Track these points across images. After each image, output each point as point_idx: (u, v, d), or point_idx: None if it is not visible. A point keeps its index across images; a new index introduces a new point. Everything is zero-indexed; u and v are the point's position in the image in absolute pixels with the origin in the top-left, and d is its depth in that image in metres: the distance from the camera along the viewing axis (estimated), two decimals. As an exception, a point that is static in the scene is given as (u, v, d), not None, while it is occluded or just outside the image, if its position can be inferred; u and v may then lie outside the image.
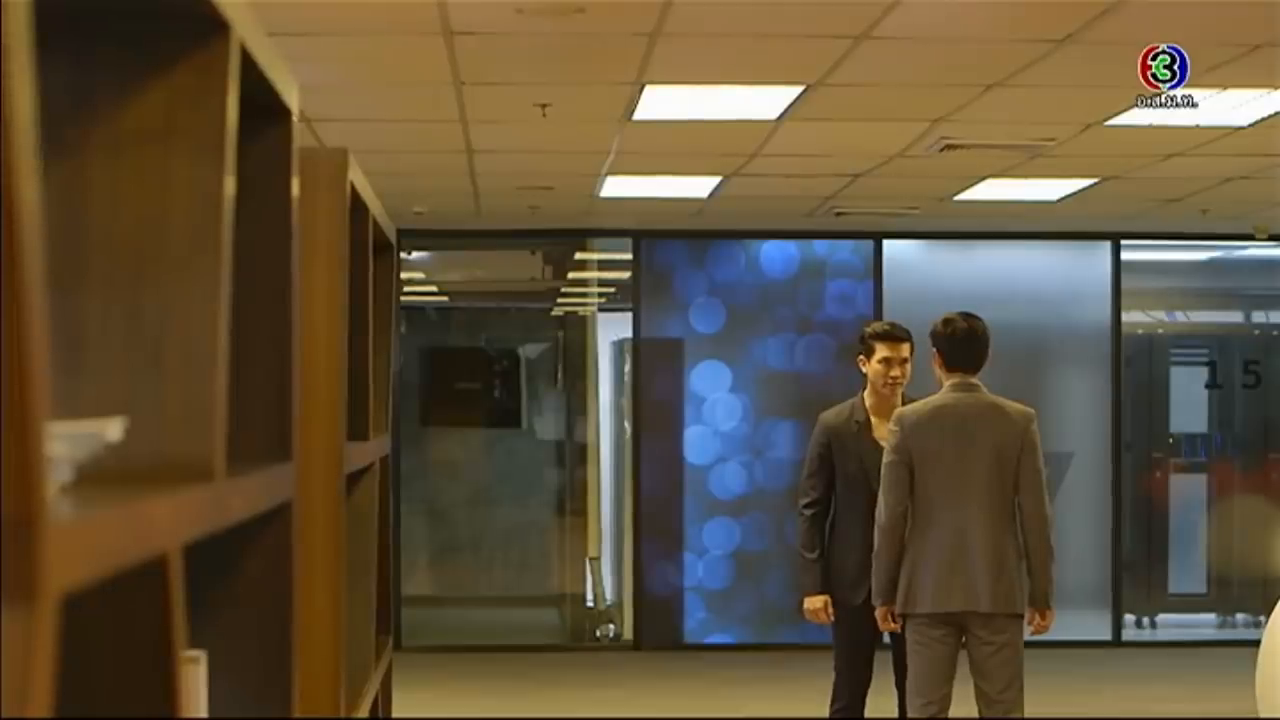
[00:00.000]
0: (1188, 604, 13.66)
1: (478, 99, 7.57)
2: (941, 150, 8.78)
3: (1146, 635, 13.26)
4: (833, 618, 7.26)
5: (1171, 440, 13.63)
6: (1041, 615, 6.52)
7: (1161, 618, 13.45)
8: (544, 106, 7.64)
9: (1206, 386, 13.75)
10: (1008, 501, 6.43)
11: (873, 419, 7.22)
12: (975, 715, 6.58)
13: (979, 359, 6.52)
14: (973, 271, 12.78)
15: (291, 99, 2.24)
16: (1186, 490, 13.64)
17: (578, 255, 13.80)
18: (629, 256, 12.88)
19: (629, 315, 12.97)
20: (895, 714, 7.14)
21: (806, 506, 7.32)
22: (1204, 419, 13.81)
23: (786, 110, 7.87)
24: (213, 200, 1.93)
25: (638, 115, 8.02)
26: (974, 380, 6.50)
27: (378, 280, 4.01)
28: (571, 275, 14.07)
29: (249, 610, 2.23)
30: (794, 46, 6.64)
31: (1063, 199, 10.85)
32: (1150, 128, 8.20)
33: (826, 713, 7.44)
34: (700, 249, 12.78)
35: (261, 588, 2.24)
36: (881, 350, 7.19)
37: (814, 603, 7.28)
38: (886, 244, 12.80)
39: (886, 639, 7.04)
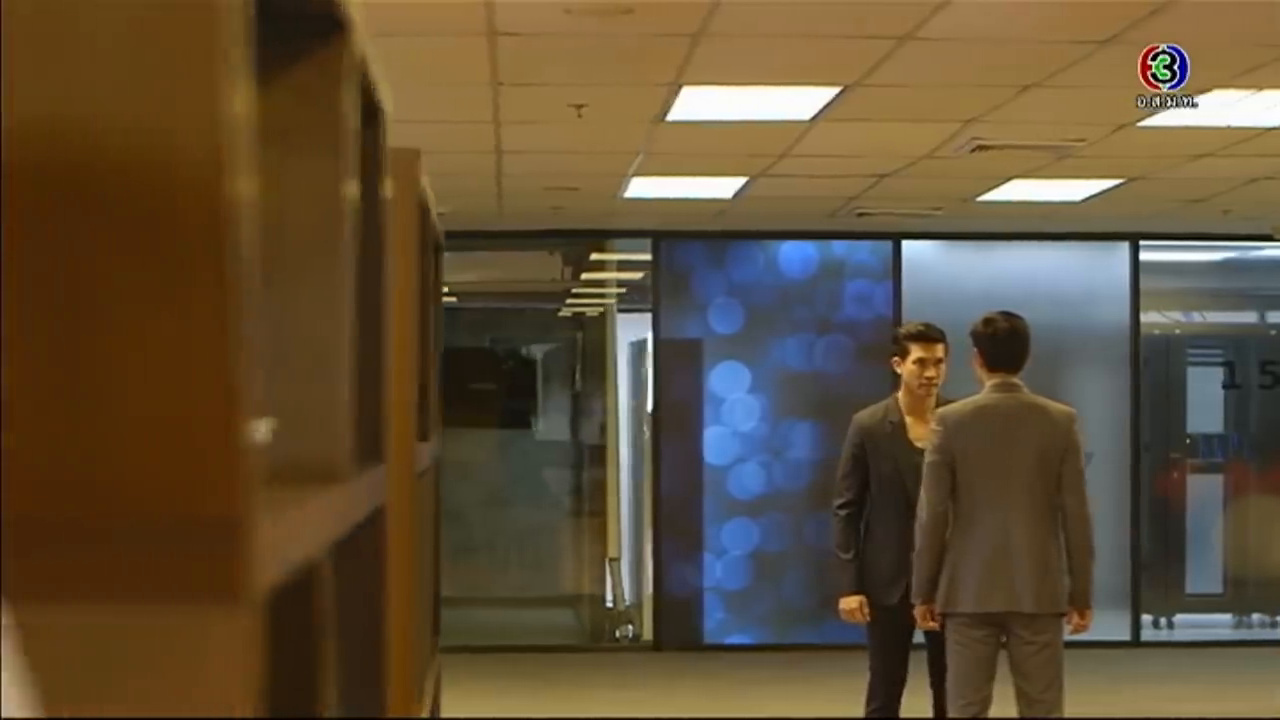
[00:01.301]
0: (1204, 604, 13.67)
1: (514, 100, 7.56)
2: (972, 151, 8.78)
3: (1164, 635, 13.26)
4: (868, 617, 7.26)
5: (1188, 441, 13.64)
6: (1081, 615, 6.52)
7: (1179, 618, 13.45)
8: (580, 107, 7.64)
9: (1223, 387, 13.75)
10: (1050, 501, 6.43)
11: (907, 419, 7.22)
12: (1015, 715, 6.58)
13: (1020, 358, 6.52)
14: (991, 272, 12.78)
15: (387, 99, 2.24)
16: (1203, 491, 13.65)
17: (596, 256, 13.80)
18: (648, 257, 12.89)
19: (647, 316, 12.97)
20: (930, 714, 7.14)
21: (841, 507, 7.32)
22: (1221, 419, 13.82)
23: (821, 111, 7.87)
24: (336, 201, 1.93)
25: (671, 116, 8.02)
26: (1015, 380, 6.50)
27: (434, 280, 4.01)
28: (590, 276, 14.07)
29: (346, 613, 2.23)
30: (836, 47, 6.64)
31: (1087, 200, 10.85)
32: (1182, 129, 8.21)
33: (861, 712, 7.43)
34: (719, 249, 12.78)
35: (357, 591, 2.24)
36: (916, 351, 7.18)
37: (849, 603, 7.28)
38: (905, 244, 12.80)
39: (920, 638, 7.04)
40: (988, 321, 6.54)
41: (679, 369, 12.84)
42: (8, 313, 1.34)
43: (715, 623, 12.85)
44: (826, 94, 7.58)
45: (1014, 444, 6.39)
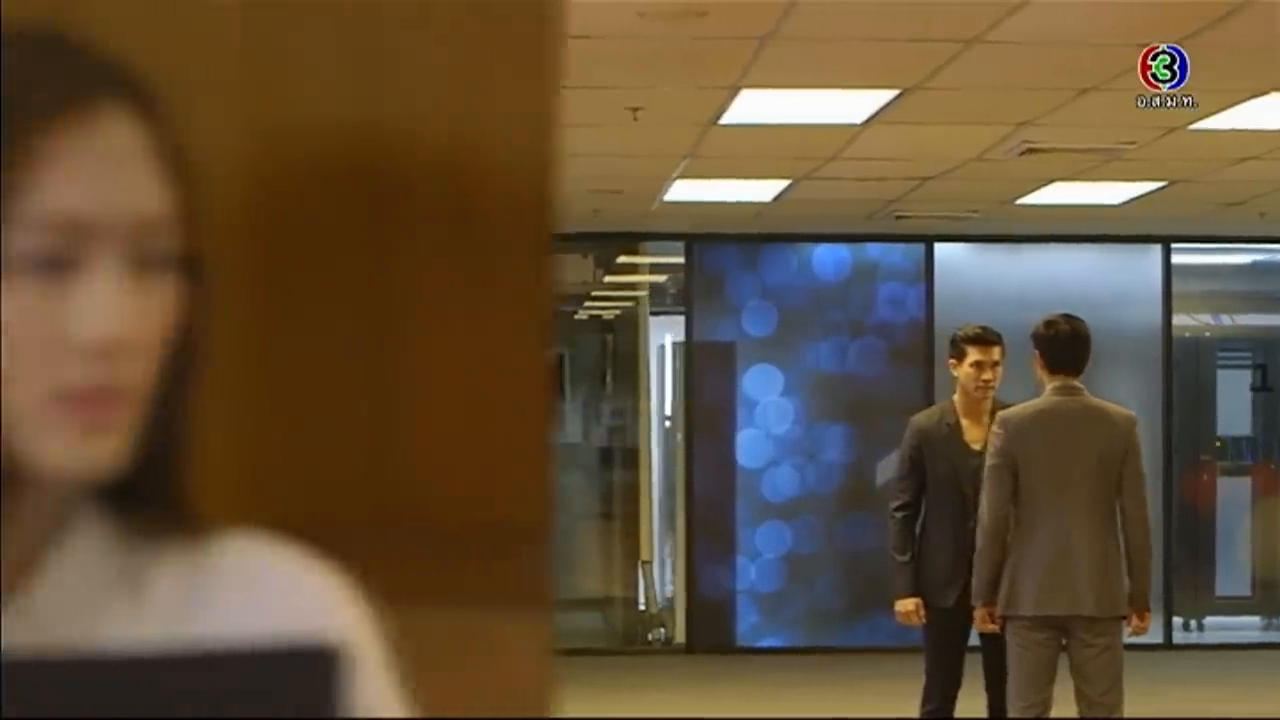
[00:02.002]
0: (1234, 607, 13.66)
1: (571, 102, 7.53)
2: (1021, 154, 8.77)
3: (1195, 638, 13.25)
4: (924, 619, 7.26)
5: (1218, 443, 13.63)
6: (1140, 617, 6.53)
7: (1209, 620, 13.45)
8: (636, 110, 7.63)
9: (1253, 389, 13.75)
10: (1110, 504, 6.43)
11: (963, 422, 7.22)
12: (1075, 717, 6.58)
13: (1081, 361, 6.52)
14: (1023, 274, 12.77)
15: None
16: (1232, 493, 13.64)
17: (628, 258, 13.79)
18: (680, 260, 12.89)
19: (680, 318, 12.96)
20: (984, 715, 7.15)
21: (898, 509, 7.32)
22: (1250, 422, 13.81)
23: (876, 114, 7.86)
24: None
25: (725, 119, 8.01)
26: (1076, 383, 6.50)
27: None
28: (622, 278, 14.06)
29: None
30: (903, 49, 6.63)
31: (1126, 203, 10.85)
32: (1230, 132, 8.21)
33: (902, 714, 7.44)
34: (752, 252, 12.77)
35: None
36: (973, 354, 7.18)
37: (906, 605, 7.27)
38: (938, 247, 12.80)
39: (974, 639, 7.05)
40: (1049, 323, 6.53)
41: (712, 372, 12.84)
42: (323, 321, 1.33)
43: (748, 626, 12.84)
44: (884, 97, 7.57)
45: (1075, 447, 6.39)
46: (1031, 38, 6.40)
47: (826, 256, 12.84)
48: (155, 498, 1.18)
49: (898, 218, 11.61)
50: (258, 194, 1.34)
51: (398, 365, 1.43)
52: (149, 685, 0.99)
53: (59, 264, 1.11)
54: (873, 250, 12.84)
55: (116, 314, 1.10)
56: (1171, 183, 10.11)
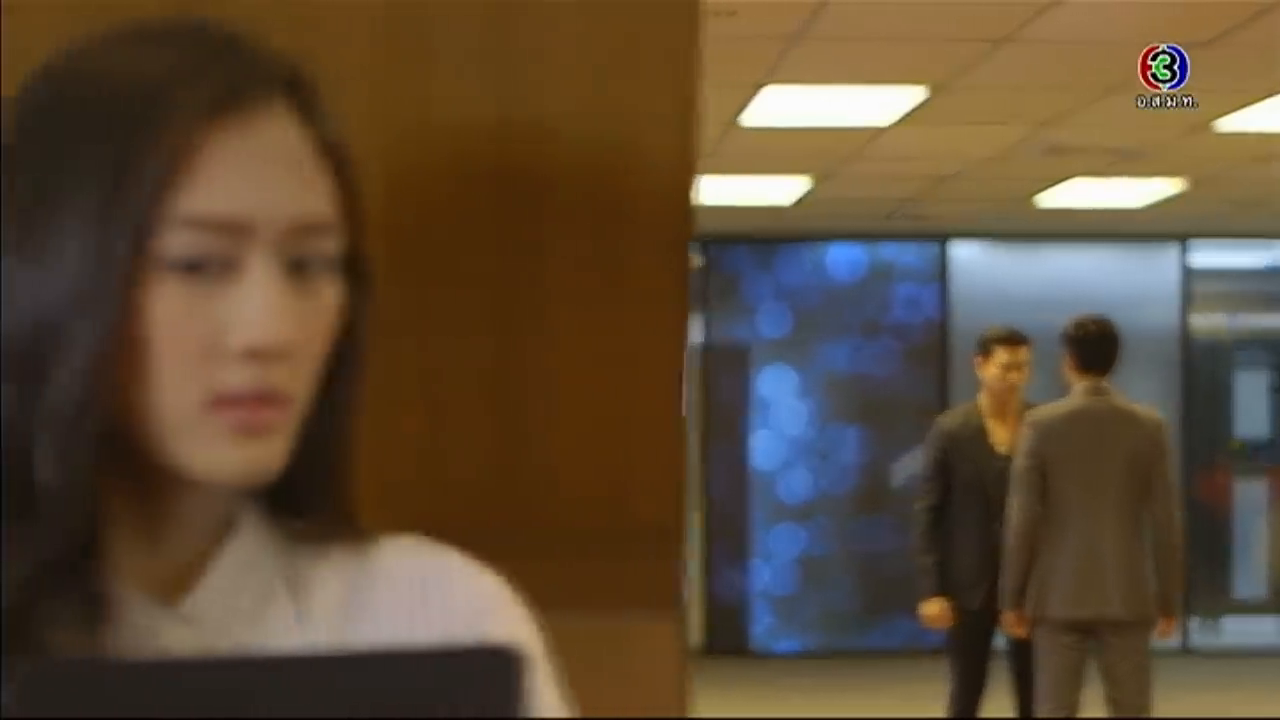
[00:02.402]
0: (1250, 609, 13.64)
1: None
2: (1043, 153, 8.76)
3: (1212, 641, 13.23)
4: (950, 621, 7.26)
5: (1235, 445, 13.60)
6: (1168, 621, 6.53)
7: (1225, 622, 13.43)
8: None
9: (1271, 390, 13.72)
10: (1139, 507, 6.44)
11: (989, 423, 7.22)
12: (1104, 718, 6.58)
13: (1111, 361, 6.55)
14: (1039, 274, 12.76)
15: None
16: (1249, 495, 13.62)
17: (642, 259, 13.79)
18: (696, 261, 12.87)
19: (695, 319, 12.96)
20: (1010, 716, 7.15)
21: (924, 511, 7.31)
22: (1267, 424, 13.79)
23: (900, 113, 7.85)
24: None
25: (745, 120, 7.99)
26: (1106, 384, 6.51)
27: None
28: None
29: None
30: (932, 48, 6.62)
31: (1147, 206, 10.83)
32: (1255, 134, 8.20)
33: (933, 716, 7.43)
34: (767, 253, 12.76)
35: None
36: (1001, 354, 7.19)
37: (931, 607, 7.27)
38: (953, 247, 12.79)
39: (1000, 641, 7.06)
40: (1079, 324, 6.55)
41: (727, 373, 12.83)
42: (456, 322, 1.30)
43: (763, 628, 12.83)
44: (910, 96, 7.55)
45: (1105, 450, 6.40)
46: (1061, 37, 6.38)
47: (841, 257, 12.83)
48: (317, 502, 1.17)
49: (915, 218, 11.59)
50: (393, 193, 1.32)
51: (532, 366, 1.41)
52: (323, 686, 0.97)
53: (216, 266, 1.08)
54: (887, 250, 12.83)
55: (274, 317, 1.08)
56: (1192, 183, 10.10)
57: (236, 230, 1.08)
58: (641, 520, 1.35)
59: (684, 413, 1.36)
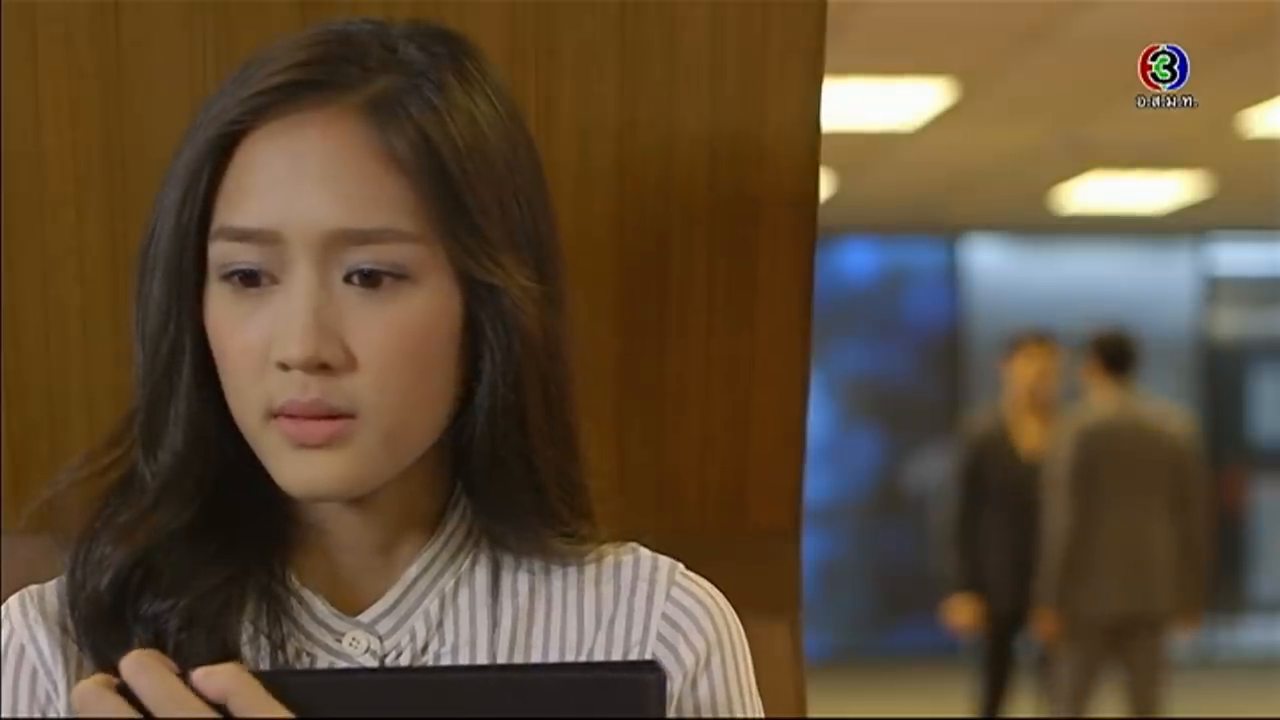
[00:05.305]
0: (1268, 611, 13.65)
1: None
2: (1066, 153, 8.76)
3: (1229, 642, 13.23)
4: (977, 622, 7.28)
5: (1253, 446, 13.61)
6: (1192, 620, 6.67)
7: (1243, 623, 13.44)
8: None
9: (1287, 390, 13.73)
10: (1167, 509, 6.52)
11: (1016, 425, 7.24)
12: (1122, 716, 6.69)
13: (1134, 366, 6.68)
14: (1055, 274, 12.75)
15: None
16: (1268, 496, 13.63)
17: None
18: (710, 262, 12.88)
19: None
20: (1033, 715, 7.18)
21: (953, 513, 7.33)
22: (1284, 424, 13.80)
23: (928, 110, 7.84)
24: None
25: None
26: (1132, 388, 6.63)
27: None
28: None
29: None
30: (962, 45, 6.61)
31: (1170, 210, 10.83)
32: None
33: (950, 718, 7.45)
34: (783, 254, 12.75)
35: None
36: (1029, 355, 7.24)
37: (958, 607, 7.30)
38: (968, 247, 12.78)
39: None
40: (1104, 331, 6.72)
41: (743, 374, 12.82)
42: (583, 327, 1.28)
43: (780, 629, 12.82)
44: (938, 92, 7.54)
45: (1136, 453, 6.51)
46: (1095, 36, 6.38)
47: (855, 257, 12.81)
48: (515, 508, 1.16)
49: (931, 215, 11.58)
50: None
51: (656, 369, 1.39)
52: (463, 705, 0.98)
53: (266, 278, 1.09)
54: (902, 250, 12.81)
55: (301, 331, 1.07)
56: (1217, 181, 10.10)
57: (269, 242, 1.08)
58: (761, 524, 1.34)
59: (808, 417, 1.35)
